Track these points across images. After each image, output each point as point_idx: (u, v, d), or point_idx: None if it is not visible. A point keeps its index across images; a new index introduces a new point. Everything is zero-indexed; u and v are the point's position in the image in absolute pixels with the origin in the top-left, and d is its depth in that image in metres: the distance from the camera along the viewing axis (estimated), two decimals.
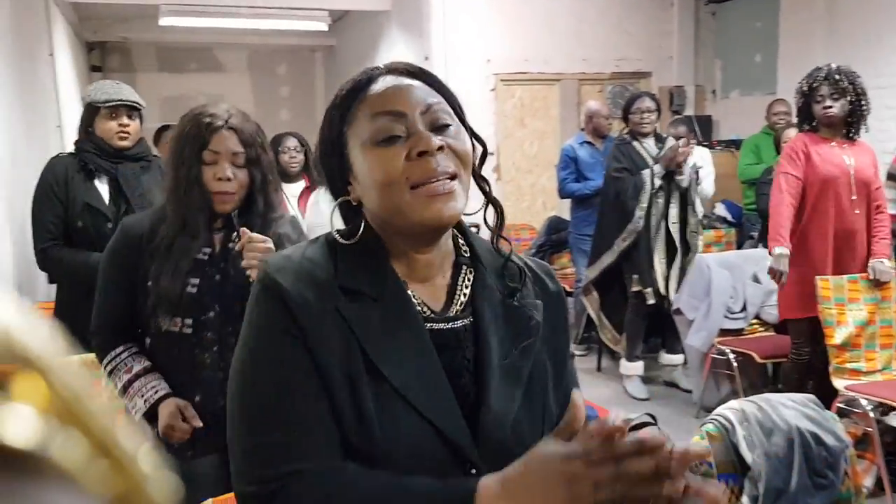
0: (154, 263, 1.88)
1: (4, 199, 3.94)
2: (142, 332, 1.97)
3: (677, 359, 4.88)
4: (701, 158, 5.39)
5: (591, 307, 5.02)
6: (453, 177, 1.03)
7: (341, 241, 1.07)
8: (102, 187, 2.89)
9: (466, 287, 1.11)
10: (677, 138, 5.20)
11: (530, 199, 7.38)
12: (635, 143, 4.71)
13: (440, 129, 1.04)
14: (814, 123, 3.66)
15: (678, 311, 4.51)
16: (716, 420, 1.92)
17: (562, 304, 1.20)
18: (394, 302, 1.04)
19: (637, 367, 4.85)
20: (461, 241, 1.16)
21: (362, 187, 1.06)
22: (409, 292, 1.07)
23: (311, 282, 1.02)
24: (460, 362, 1.06)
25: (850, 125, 3.61)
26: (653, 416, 1.83)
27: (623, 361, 4.90)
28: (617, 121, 5.89)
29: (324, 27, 8.34)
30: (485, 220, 1.15)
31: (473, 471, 1.00)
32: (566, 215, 6.45)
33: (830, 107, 3.55)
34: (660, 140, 4.73)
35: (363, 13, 8.30)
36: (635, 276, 4.68)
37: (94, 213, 2.83)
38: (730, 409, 1.94)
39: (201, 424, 1.86)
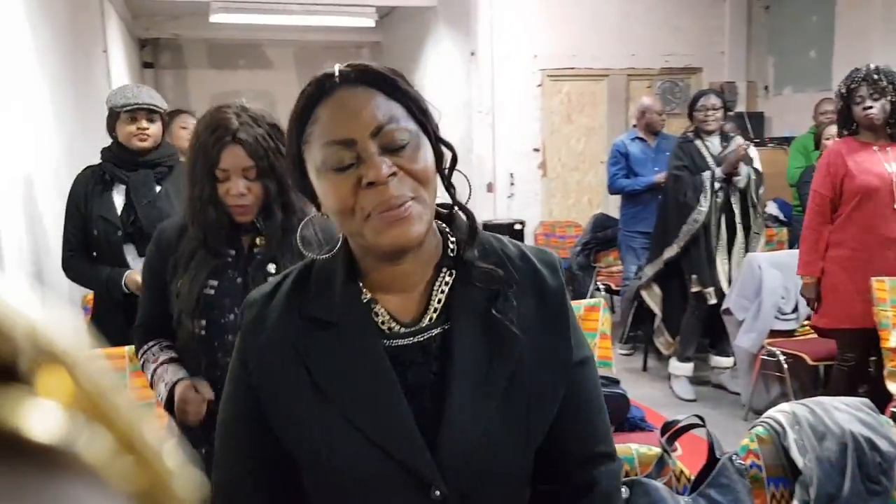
0: (176, 274, 1.89)
1: (61, 193, 4.02)
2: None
3: (727, 361, 4.80)
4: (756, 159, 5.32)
5: (653, 301, 4.94)
6: (414, 197, 0.96)
7: (317, 258, 1.08)
8: (118, 197, 2.93)
9: (442, 292, 1.05)
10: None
11: (576, 195, 7.32)
12: (697, 142, 4.63)
13: (395, 149, 0.97)
14: (854, 127, 3.57)
15: (727, 312, 4.43)
16: (766, 423, 1.88)
17: (560, 300, 1.09)
18: (349, 324, 1.02)
19: (686, 368, 4.79)
20: (450, 241, 1.09)
21: (325, 207, 1.03)
22: (375, 308, 1.04)
23: (276, 316, 1.05)
24: (426, 377, 1.02)
25: (893, 126, 3.50)
26: (701, 418, 1.80)
27: (673, 361, 4.84)
28: (670, 117, 5.84)
29: (370, 23, 8.38)
30: (447, 229, 1.09)
31: (437, 492, 0.97)
32: (613, 212, 6.40)
33: (870, 107, 3.44)
34: (725, 138, 4.64)
35: (410, 9, 8.32)
36: (694, 276, 4.62)
37: (106, 223, 2.88)
38: (780, 412, 1.90)
39: (212, 395, 1.83)
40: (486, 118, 6.90)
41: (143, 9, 8.83)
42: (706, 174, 4.49)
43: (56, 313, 0.23)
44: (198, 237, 1.88)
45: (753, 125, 7.05)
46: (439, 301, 1.05)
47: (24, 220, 3.15)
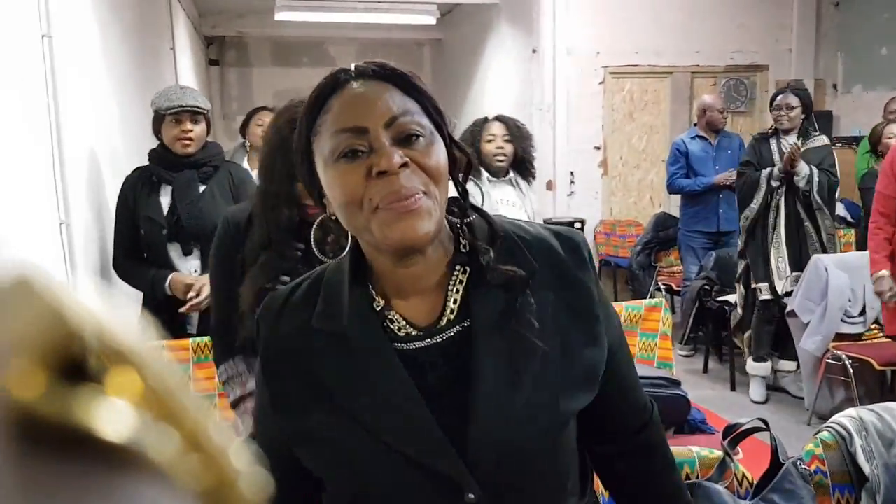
0: (246, 262, 1.84)
1: None
2: None
3: (790, 365, 4.69)
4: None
5: (739, 301, 4.85)
6: (424, 192, 0.94)
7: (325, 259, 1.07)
8: (165, 198, 2.97)
9: (457, 292, 1.02)
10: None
11: (637, 194, 7.23)
12: (772, 140, 4.55)
13: (407, 140, 0.95)
14: None
15: (792, 314, 4.33)
16: (831, 428, 1.83)
17: (583, 285, 1.05)
18: (363, 333, 0.99)
19: (763, 368, 4.68)
20: (463, 238, 1.05)
21: (333, 203, 0.99)
22: (389, 315, 1.01)
23: (288, 329, 1.04)
24: (448, 378, 0.99)
25: None
26: (765, 422, 1.76)
27: (749, 361, 4.74)
28: (735, 115, 5.73)
29: (432, 21, 8.41)
30: (462, 230, 1.05)
31: (471, 495, 0.95)
32: (674, 212, 6.31)
33: None
34: (806, 136, 4.54)
35: (472, 7, 8.32)
36: (753, 274, 4.55)
37: (152, 223, 2.92)
38: (847, 418, 1.85)
39: None
40: (546, 116, 6.86)
41: (209, 7, 9.02)
42: (764, 171, 4.41)
43: (123, 312, 0.23)
44: (263, 236, 1.83)
45: (821, 124, 6.86)
46: (455, 301, 1.01)
47: (92, 217, 3.24)
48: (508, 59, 7.67)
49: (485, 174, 3.43)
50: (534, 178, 3.66)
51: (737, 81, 7.21)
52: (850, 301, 4.23)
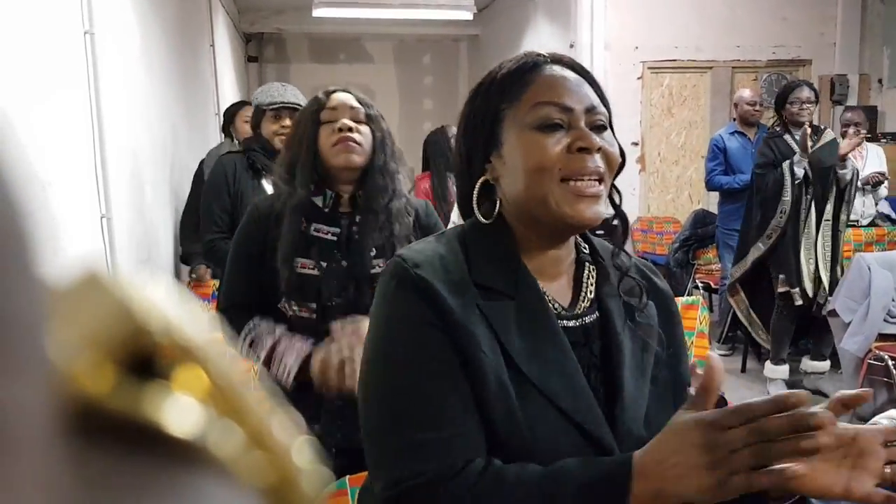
0: (277, 240, 1.84)
1: (168, 182, 4.19)
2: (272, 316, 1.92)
3: (822, 366, 4.61)
4: (879, 158, 5.11)
5: (739, 308, 4.80)
6: (601, 179, 1.02)
7: (477, 223, 1.07)
8: (269, 186, 2.98)
9: (592, 284, 1.11)
10: (847, 125, 4.94)
11: (675, 191, 7.16)
12: (787, 137, 4.46)
13: (598, 130, 1.04)
14: None
15: (833, 313, 4.26)
16: None
17: (671, 301, 1.19)
18: (528, 300, 1.03)
19: (782, 371, 4.62)
20: (579, 239, 1.15)
21: (508, 168, 1.05)
22: (543, 289, 1.06)
23: (446, 277, 1.01)
24: (588, 358, 1.06)
25: None
26: None
27: (768, 364, 4.68)
28: (768, 109, 5.63)
29: (468, 16, 8.38)
30: (611, 229, 1.15)
31: None
32: (713, 208, 6.22)
33: None
34: (816, 132, 4.45)
35: (509, 1, 8.29)
36: (781, 276, 4.46)
37: None
38: (888, 419, 1.80)
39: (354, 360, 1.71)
40: None
41: (248, 4, 9.10)
42: (785, 164, 4.31)
43: (189, 308, 0.23)
44: (289, 193, 1.85)
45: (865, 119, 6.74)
46: (591, 291, 1.10)
47: (132, 211, 3.29)
48: None
49: None
50: None
51: (778, 76, 7.10)
52: (893, 300, 4.15)
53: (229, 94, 6.89)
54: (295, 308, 1.85)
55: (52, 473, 0.19)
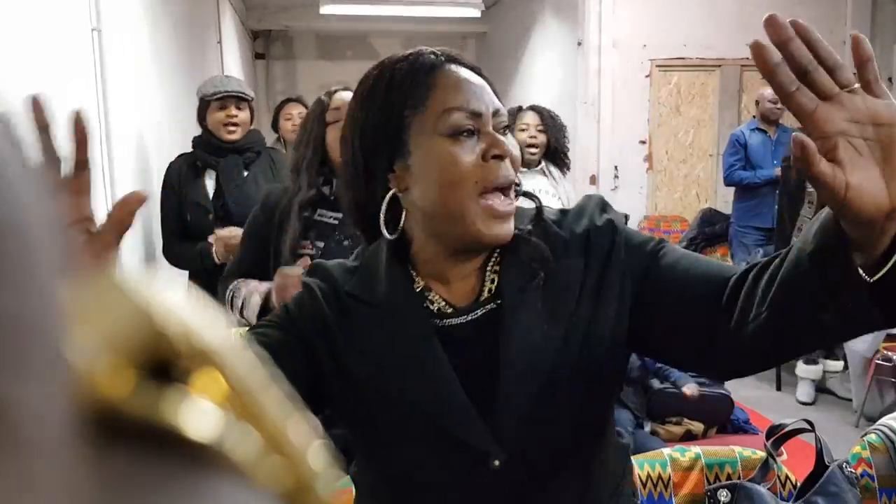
0: (282, 233, 1.98)
1: None
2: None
3: (836, 365, 4.60)
4: None
5: None
6: (513, 190, 1.00)
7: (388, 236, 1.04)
8: (209, 182, 3.03)
9: (495, 272, 1.05)
10: None
11: (683, 189, 7.15)
12: None
13: (502, 133, 1.00)
14: None
15: None
16: (880, 430, 1.79)
17: (610, 232, 1.04)
18: (397, 306, 1.02)
19: (814, 372, 4.59)
20: None
21: (416, 179, 1.00)
22: (430, 296, 1.04)
23: (328, 288, 1.06)
24: (480, 352, 1.01)
25: None
26: (810, 423, 1.73)
27: (800, 364, 4.64)
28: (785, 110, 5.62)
29: (476, 13, 8.38)
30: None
31: (496, 462, 0.97)
32: (721, 207, 6.21)
33: None
34: None
35: None
36: None
37: (199, 208, 2.98)
38: None
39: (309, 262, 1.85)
40: (591, 109, 6.81)
41: (255, 1, 9.11)
42: None
43: (205, 311, 0.23)
44: (294, 184, 1.99)
45: None
46: (493, 280, 1.05)
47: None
48: (553, 52, 7.63)
49: None
50: (568, 168, 3.63)
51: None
52: None
53: None
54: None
55: (70, 475, 0.19)
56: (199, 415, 0.22)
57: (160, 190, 3.14)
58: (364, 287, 1.04)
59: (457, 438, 0.98)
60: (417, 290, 1.04)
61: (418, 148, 0.99)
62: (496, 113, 1.00)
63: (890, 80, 7.24)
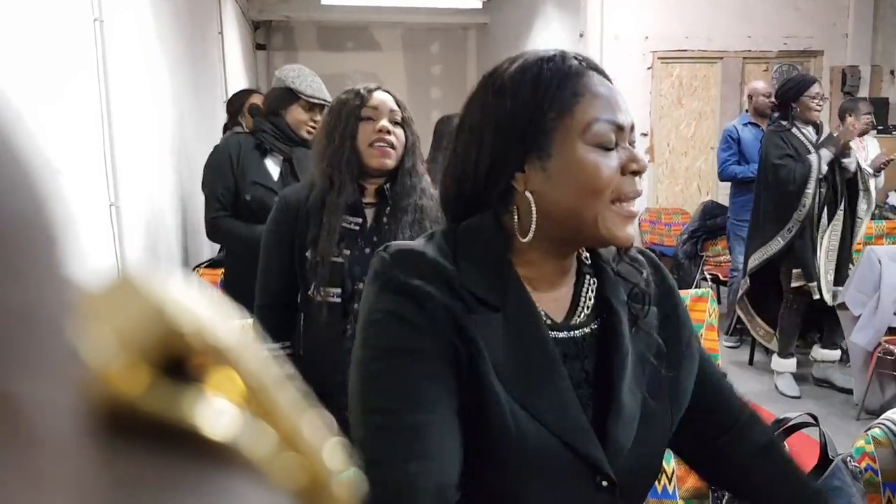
0: (309, 228, 1.95)
1: (176, 170, 4.19)
2: (299, 307, 2.05)
3: (833, 355, 4.60)
4: (876, 149, 5.09)
5: (742, 310, 4.79)
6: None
7: (469, 226, 1.01)
8: (274, 167, 3.01)
9: (590, 299, 1.08)
10: (842, 115, 4.97)
11: (684, 182, 7.14)
12: (795, 131, 4.44)
13: (631, 145, 1.04)
14: None
15: (843, 306, 4.25)
16: (883, 425, 1.79)
17: (675, 294, 1.18)
18: (518, 311, 0.99)
19: (790, 365, 4.61)
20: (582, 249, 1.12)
21: (553, 182, 0.98)
22: (534, 300, 1.02)
23: (433, 279, 0.96)
24: (579, 372, 1.03)
25: None
26: (814, 416, 1.73)
27: (775, 357, 4.67)
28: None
29: (477, 5, 8.37)
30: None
31: (604, 483, 0.98)
32: (722, 200, 6.21)
33: None
34: (817, 129, 4.45)
35: None
36: (796, 271, 4.44)
37: (263, 189, 2.95)
38: None
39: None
40: None
41: None
42: (813, 157, 4.31)
43: (220, 309, 0.23)
44: (325, 183, 1.96)
45: (876, 111, 6.70)
46: (590, 300, 1.08)
47: (141, 199, 3.29)
48: (555, 44, 7.58)
49: None
50: None
51: (790, 67, 7.07)
52: None
53: (237, 81, 6.89)
54: (322, 293, 1.95)
55: (81, 472, 0.19)
56: (214, 413, 0.22)
57: (205, 167, 3.12)
58: (479, 284, 0.98)
59: (576, 453, 0.97)
60: (529, 292, 1.02)
61: (561, 153, 0.98)
62: (631, 128, 1.02)
63: (892, 73, 7.23)
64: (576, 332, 1.05)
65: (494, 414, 0.95)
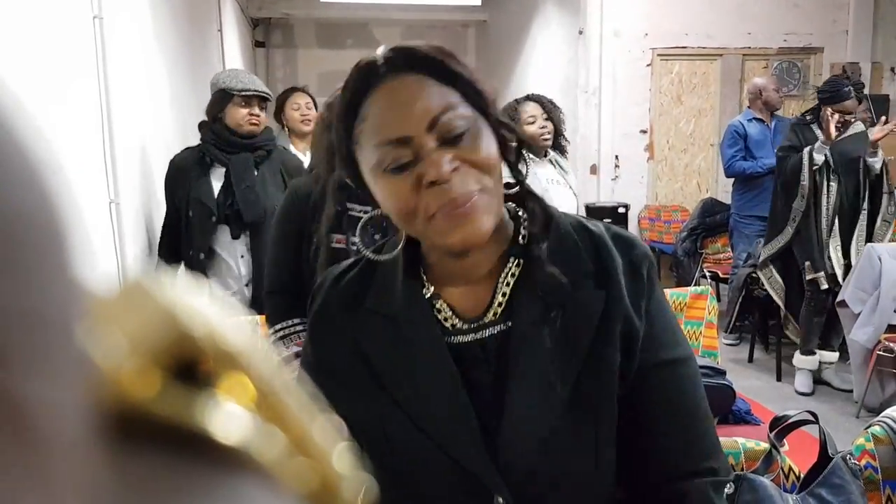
0: (315, 220, 1.97)
1: None
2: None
3: (831, 356, 4.61)
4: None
5: (773, 290, 4.75)
6: (480, 189, 0.90)
7: (374, 257, 1.03)
8: (216, 181, 2.99)
9: (507, 286, 0.98)
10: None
11: (684, 179, 7.14)
12: (814, 126, 4.45)
13: (454, 140, 0.89)
14: None
15: (842, 304, 4.25)
16: (884, 422, 1.79)
17: (642, 269, 0.99)
18: (410, 319, 0.97)
19: (811, 362, 4.59)
20: (524, 225, 1.01)
21: (384, 209, 0.96)
22: (437, 304, 0.99)
23: (338, 305, 1.03)
24: (486, 375, 0.96)
25: None
26: (814, 414, 1.73)
27: (797, 354, 4.64)
28: (787, 98, 5.62)
29: (477, 2, 8.35)
30: (521, 218, 1.02)
31: (500, 500, 0.91)
32: (722, 197, 6.21)
33: None
34: (844, 125, 4.44)
35: None
36: (808, 263, 4.45)
37: (202, 207, 2.95)
38: None
39: None
40: (592, 98, 6.80)
41: None
42: (805, 149, 4.31)
43: (230, 314, 0.23)
44: (327, 176, 1.95)
45: (877, 108, 6.69)
46: (504, 294, 0.98)
47: (141, 196, 3.29)
48: (554, 41, 7.60)
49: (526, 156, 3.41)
50: (566, 150, 3.63)
51: (790, 64, 7.06)
52: None
53: None
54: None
55: (90, 474, 0.19)
56: (225, 417, 0.22)
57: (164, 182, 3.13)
58: (382, 300, 1.00)
59: (463, 469, 0.92)
60: (427, 296, 0.99)
61: (371, 183, 0.95)
62: (434, 123, 0.89)
63: (892, 70, 7.22)
64: (484, 331, 0.97)
65: (376, 427, 0.96)
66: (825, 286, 4.38)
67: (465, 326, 0.98)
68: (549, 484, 0.94)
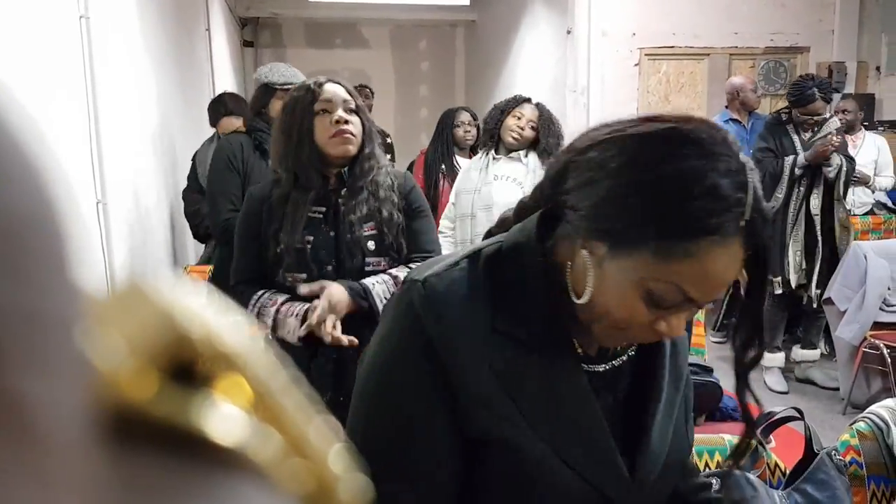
0: (271, 222, 2.01)
1: (162, 167, 4.17)
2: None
3: (812, 355, 4.64)
4: (877, 148, 5.11)
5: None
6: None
7: (515, 245, 0.95)
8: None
9: None
10: (837, 113, 4.96)
11: None
12: (789, 128, 4.46)
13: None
14: None
15: (829, 302, 4.27)
16: (868, 418, 1.80)
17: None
18: (552, 348, 0.94)
19: (777, 359, 4.63)
20: None
21: (602, 274, 0.89)
22: (571, 335, 0.97)
23: (463, 317, 0.92)
24: (612, 403, 0.99)
25: None
26: (799, 411, 1.74)
27: (765, 353, 4.68)
28: (774, 98, 5.63)
29: (465, 2, 8.35)
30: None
31: None
32: None
33: None
34: (818, 123, 4.46)
35: None
36: None
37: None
38: (884, 408, 1.82)
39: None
40: (580, 98, 6.80)
41: None
42: (788, 159, 4.33)
43: (227, 315, 0.23)
44: (289, 179, 2.02)
45: (864, 108, 6.73)
46: None
47: (128, 196, 3.28)
48: (542, 41, 7.60)
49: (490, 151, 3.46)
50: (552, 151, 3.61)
51: (776, 63, 7.09)
52: (889, 289, 4.16)
53: (224, 79, 6.86)
54: (290, 279, 2.02)
55: (88, 473, 0.19)
56: (222, 418, 0.22)
57: (208, 167, 3.10)
58: (515, 321, 0.93)
59: (602, 495, 0.95)
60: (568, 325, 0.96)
61: (622, 269, 0.89)
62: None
63: (878, 69, 7.27)
64: (612, 362, 1.00)
65: (512, 454, 0.93)
66: (779, 291, 4.42)
67: (594, 356, 1.00)
68: (665, 498, 1.05)
